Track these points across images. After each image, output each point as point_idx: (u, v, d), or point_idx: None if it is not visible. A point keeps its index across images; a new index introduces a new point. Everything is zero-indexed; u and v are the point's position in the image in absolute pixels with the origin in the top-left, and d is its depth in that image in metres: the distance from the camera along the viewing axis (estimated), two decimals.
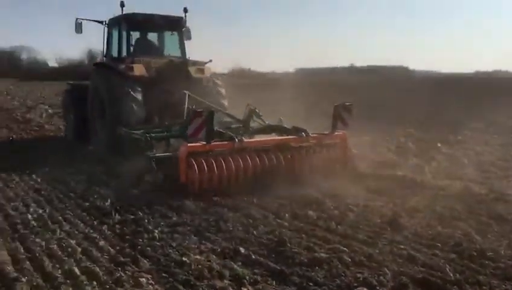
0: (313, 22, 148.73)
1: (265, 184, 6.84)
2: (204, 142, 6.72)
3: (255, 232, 5.20)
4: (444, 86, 29.89)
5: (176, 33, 10.81)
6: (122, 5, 10.05)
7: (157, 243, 4.85)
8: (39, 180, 7.70)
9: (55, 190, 7.04)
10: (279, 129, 8.00)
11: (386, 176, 7.79)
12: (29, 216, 5.72)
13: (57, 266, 4.28)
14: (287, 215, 5.79)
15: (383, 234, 5.10)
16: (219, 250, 4.69)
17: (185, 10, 10.63)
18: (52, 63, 70.60)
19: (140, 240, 4.95)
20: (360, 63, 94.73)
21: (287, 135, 7.68)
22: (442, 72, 67.08)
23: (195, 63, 10.37)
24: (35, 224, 5.45)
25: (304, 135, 7.54)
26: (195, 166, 6.53)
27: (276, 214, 5.83)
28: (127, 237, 5.08)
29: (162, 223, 5.52)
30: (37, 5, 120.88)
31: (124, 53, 10.22)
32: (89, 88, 10.67)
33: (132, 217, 5.74)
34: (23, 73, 62.62)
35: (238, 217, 5.71)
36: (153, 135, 7.86)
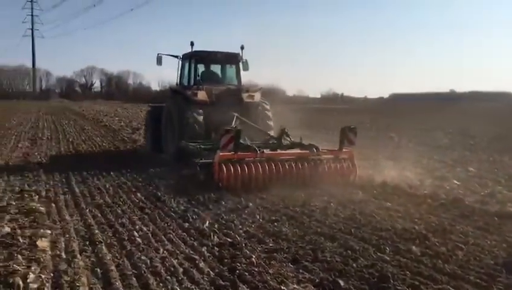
0: (408, 47, 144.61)
1: (366, 213, 6.71)
2: (233, 152, 8.77)
3: (354, 264, 5.00)
4: None
5: (233, 66, 13.08)
6: (192, 44, 12.57)
7: (255, 269, 4.83)
8: (143, 198, 8.12)
9: (157, 209, 7.35)
10: (299, 145, 10.05)
11: (495, 212, 7.19)
12: (135, 233, 6.02)
13: (161, 284, 4.43)
14: (388, 249, 5.51)
15: (497, 277, 4.66)
16: (317, 281, 4.56)
17: (242, 47, 12.79)
18: (155, 86, 75.38)
19: (238, 264, 4.97)
20: (460, 88, 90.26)
21: (303, 150, 9.67)
22: None
23: (248, 90, 12.30)
24: (140, 241, 5.71)
25: (315, 150, 9.48)
26: (225, 169, 8.56)
27: (377, 247, 5.58)
28: (226, 260, 5.13)
29: (259, 249, 5.52)
30: (142, 33, 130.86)
31: (192, 82, 12.52)
32: (164, 109, 12.89)
33: (230, 240, 5.82)
34: (129, 96, 67.49)
35: (335, 248, 5.55)
36: (203, 146, 10.19)
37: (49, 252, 5.27)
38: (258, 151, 9.07)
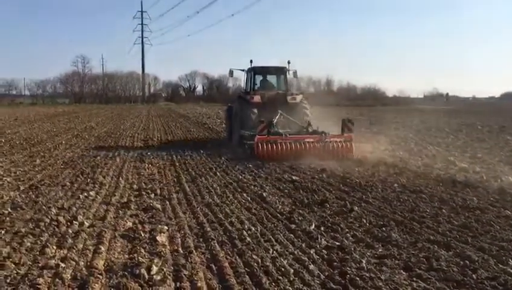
0: None
1: (483, 221, 6.30)
2: (266, 135, 13.43)
3: (474, 275, 4.71)
4: None
5: (282, 76, 17.30)
6: (251, 61, 17.12)
7: (366, 274, 4.76)
8: (249, 199, 8.36)
9: (264, 210, 7.53)
10: (315, 132, 14.04)
11: None
12: (244, 232, 6.22)
13: (273, 284, 4.53)
14: (511, 261, 5.11)
15: None
16: None
17: (288, 62, 16.97)
18: None
19: (348, 268, 4.93)
20: None
21: (316, 135, 13.74)
22: None
23: (292, 94, 16.49)
24: (250, 240, 5.89)
25: (323, 135, 13.53)
26: (260, 146, 13.11)
27: (498, 258, 5.20)
28: (335, 263, 5.11)
29: (368, 254, 5.43)
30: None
31: (249, 88, 17.06)
32: (233, 109, 17.48)
33: (337, 244, 5.78)
34: (229, 98, 69.67)
35: (451, 257, 5.27)
36: (252, 133, 14.32)
37: (168, 247, 5.64)
38: (283, 135, 13.54)
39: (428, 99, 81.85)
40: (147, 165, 12.20)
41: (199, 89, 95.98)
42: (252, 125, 14.98)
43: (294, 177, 10.30)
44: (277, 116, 14.94)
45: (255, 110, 15.83)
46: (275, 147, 13.18)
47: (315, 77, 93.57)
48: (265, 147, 13.12)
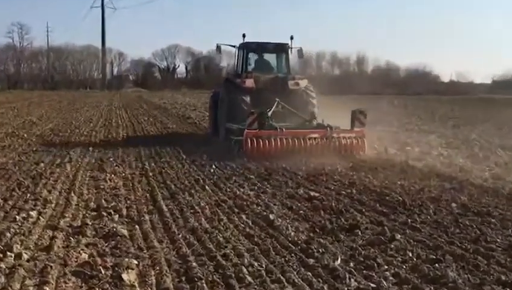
0: None
1: None
2: (257, 129, 14.60)
3: None
4: None
5: (283, 55, 18.51)
6: (243, 35, 18.29)
7: None
8: (250, 222, 8.38)
9: (270, 238, 7.54)
10: (320, 126, 15.53)
11: None
12: (244, 269, 6.24)
13: None
14: None
15: None
16: None
17: (291, 38, 18.25)
18: None
19: None
20: None
21: (320, 129, 15.27)
22: None
23: (294, 78, 17.65)
24: (251, 280, 5.91)
25: (329, 129, 14.97)
26: (250, 143, 14.39)
27: None
28: None
29: None
30: None
31: (241, 70, 18.22)
32: (220, 95, 18.69)
33: (373, 286, 5.79)
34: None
35: None
36: (241, 127, 15.36)
37: (138, 289, 5.65)
38: (278, 130, 14.66)
39: (499, 86, 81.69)
40: (108, 175, 12.25)
41: (181, 69, 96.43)
42: (243, 117, 15.65)
43: (312, 193, 10.33)
44: (274, 106, 16.19)
45: (247, 98, 16.90)
46: (267, 143, 14.46)
47: (341, 54, 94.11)
48: (255, 143, 14.40)
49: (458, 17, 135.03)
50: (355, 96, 40.30)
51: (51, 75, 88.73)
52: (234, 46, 18.79)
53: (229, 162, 13.97)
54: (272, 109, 15.88)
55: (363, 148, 14.99)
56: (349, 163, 13.82)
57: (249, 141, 14.35)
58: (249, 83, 17.08)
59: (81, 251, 6.85)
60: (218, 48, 19.09)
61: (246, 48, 18.44)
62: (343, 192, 10.61)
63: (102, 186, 10.95)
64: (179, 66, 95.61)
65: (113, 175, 12.24)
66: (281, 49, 18.45)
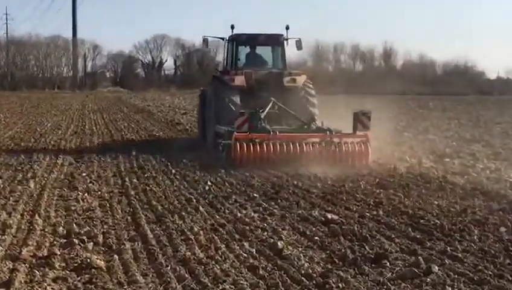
0: None
1: None
2: (247, 132, 15.54)
3: None
4: None
5: (278, 48, 19.73)
6: (232, 27, 19.62)
7: None
8: (254, 251, 8.37)
9: (279, 271, 7.52)
10: (319, 129, 16.61)
11: None
12: None
13: None
14: None
15: None
16: None
17: (287, 27, 19.31)
18: None
19: None
20: None
21: (318, 133, 16.44)
22: None
23: (291, 73, 18.82)
24: None
25: (328, 133, 15.98)
26: (239, 147, 15.21)
27: None
28: None
29: None
30: None
31: (232, 65, 19.41)
32: (207, 94, 20.07)
33: None
34: None
35: None
36: (230, 129, 16.20)
37: None
38: (271, 133, 15.66)
39: None
40: (81, 193, 12.26)
41: (169, 64, 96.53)
42: (232, 119, 16.57)
43: (330, 216, 10.31)
44: (268, 107, 17.26)
45: (237, 98, 17.98)
46: (258, 148, 15.51)
47: (365, 46, 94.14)
48: (245, 148, 15.40)
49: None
50: (379, 97, 40.24)
51: (10, 73, 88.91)
52: (223, 39, 20.08)
53: (228, 177, 13.97)
54: (266, 110, 16.84)
55: (366, 155, 15.81)
56: (375, 178, 13.81)
57: (238, 145, 15.27)
58: (239, 80, 18.12)
59: (47, 287, 6.85)
60: (205, 41, 20.66)
61: (236, 40, 19.49)
62: (368, 214, 10.60)
63: (73, 208, 10.96)
64: (166, 61, 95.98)
65: (86, 194, 12.25)
66: (275, 41, 19.58)
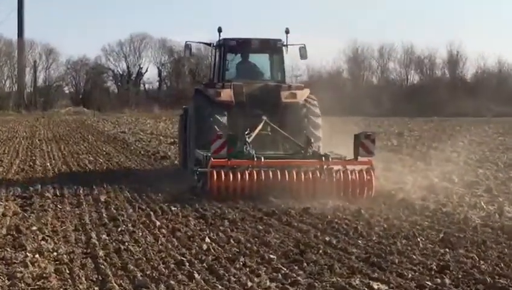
0: None
1: None
2: (226, 159, 17.56)
3: None
4: None
5: (275, 56, 21.47)
6: (219, 30, 21.16)
7: None
8: None
9: None
10: (315, 155, 18.50)
11: None
12: None
13: None
14: None
15: None
16: None
17: (287, 31, 20.90)
18: None
19: None
20: None
21: (313, 159, 18.54)
22: None
23: (290, 87, 20.57)
24: None
25: (324, 159, 17.99)
26: (216, 176, 17.16)
27: None
28: None
29: None
30: None
31: (218, 77, 21.14)
32: (189, 112, 22.09)
33: None
34: None
35: None
36: (209, 154, 17.99)
37: None
38: (255, 159, 17.38)
39: None
40: (30, 255, 12.29)
41: (151, 75, 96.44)
42: None
43: (376, 286, 10.33)
44: (259, 127, 19.33)
45: (223, 117, 19.89)
46: (239, 178, 17.40)
47: (419, 50, 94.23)
48: (223, 177, 17.31)
49: None
50: (443, 120, 40.28)
51: None
52: (209, 45, 21.99)
53: (235, 231, 13.96)
54: (256, 131, 18.83)
55: (370, 186, 17.62)
56: (438, 233, 13.78)
57: (215, 173, 17.23)
58: (226, 95, 19.98)
59: None
60: (188, 47, 22.14)
61: (224, 46, 21.21)
62: (429, 283, 10.55)
63: (19, 275, 10.96)
64: (147, 71, 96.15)
65: (37, 255, 12.27)
66: (271, 47, 21.35)
